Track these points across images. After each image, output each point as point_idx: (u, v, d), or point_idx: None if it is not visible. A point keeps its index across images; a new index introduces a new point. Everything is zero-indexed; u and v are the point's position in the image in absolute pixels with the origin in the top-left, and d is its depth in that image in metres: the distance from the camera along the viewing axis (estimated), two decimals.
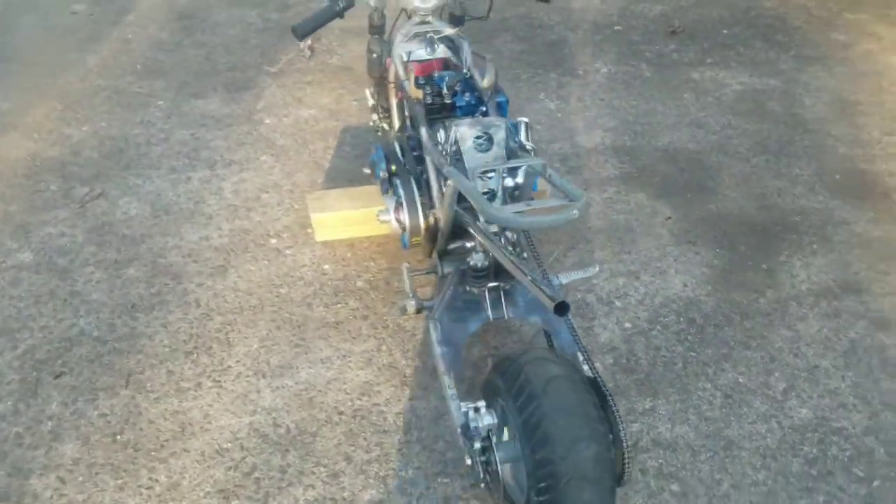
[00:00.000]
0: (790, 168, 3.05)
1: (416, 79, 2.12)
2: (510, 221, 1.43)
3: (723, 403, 2.10)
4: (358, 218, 2.48)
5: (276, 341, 2.18)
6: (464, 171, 1.74)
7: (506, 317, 1.96)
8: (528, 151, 1.80)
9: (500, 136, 1.80)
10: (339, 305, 2.30)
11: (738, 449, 1.98)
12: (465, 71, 2.09)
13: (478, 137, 1.77)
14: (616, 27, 4.00)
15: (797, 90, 3.56)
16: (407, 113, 2.21)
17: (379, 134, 2.69)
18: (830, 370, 2.21)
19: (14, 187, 2.65)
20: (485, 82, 1.99)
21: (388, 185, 2.24)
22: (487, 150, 1.80)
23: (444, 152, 1.82)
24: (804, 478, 1.92)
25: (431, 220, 2.02)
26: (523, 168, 1.69)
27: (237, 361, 2.11)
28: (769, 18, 4.17)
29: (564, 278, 1.96)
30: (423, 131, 1.94)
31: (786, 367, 2.21)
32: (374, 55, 2.34)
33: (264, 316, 2.25)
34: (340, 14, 2.13)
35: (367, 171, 2.36)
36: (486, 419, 1.62)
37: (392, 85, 2.28)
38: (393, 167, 2.21)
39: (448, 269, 2.01)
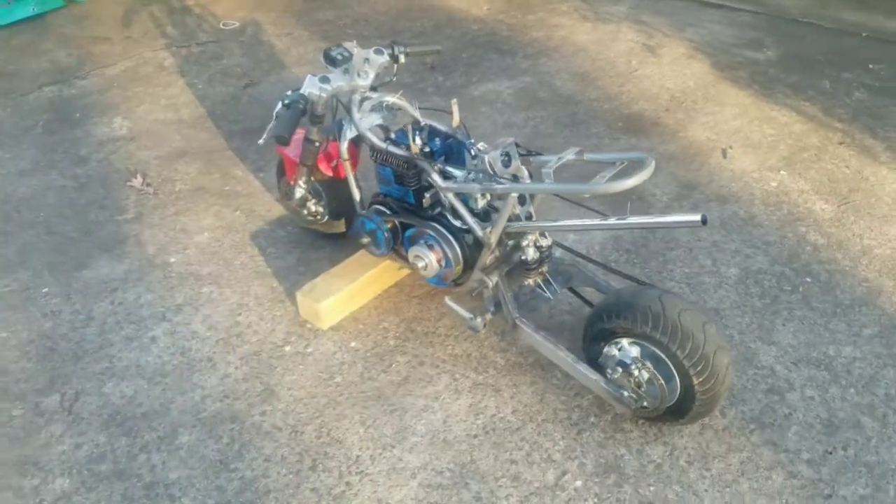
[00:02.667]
0: (589, 130, 3.93)
1: (391, 139, 2.41)
2: (616, 188, 1.87)
3: (691, 290, 2.78)
4: (356, 290, 2.64)
5: (374, 417, 2.27)
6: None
7: (558, 291, 2.38)
8: (539, 154, 2.24)
9: (513, 150, 2.21)
10: (394, 366, 2.46)
11: (723, 311, 2.67)
12: (423, 123, 2.44)
13: (500, 156, 2.16)
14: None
15: (545, 79, 4.51)
16: (389, 172, 2.45)
17: (318, 218, 2.84)
18: (724, 240, 3.05)
19: None
20: (454, 122, 2.37)
21: (393, 241, 2.48)
22: (509, 163, 2.21)
23: (476, 177, 2.17)
24: (766, 308, 2.70)
25: (467, 245, 2.33)
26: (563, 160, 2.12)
27: (360, 449, 2.18)
28: (485, 36, 5.12)
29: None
30: (435, 176, 2.26)
31: (701, 250, 2.99)
32: (317, 144, 2.53)
33: (344, 405, 2.31)
34: (304, 111, 2.33)
35: (364, 241, 2.53)
36: (633, 350, 2.05)
37: (348, 161, 2.52)
38: (393, 223, 2.45)
39: (494, 278, 2.35)
